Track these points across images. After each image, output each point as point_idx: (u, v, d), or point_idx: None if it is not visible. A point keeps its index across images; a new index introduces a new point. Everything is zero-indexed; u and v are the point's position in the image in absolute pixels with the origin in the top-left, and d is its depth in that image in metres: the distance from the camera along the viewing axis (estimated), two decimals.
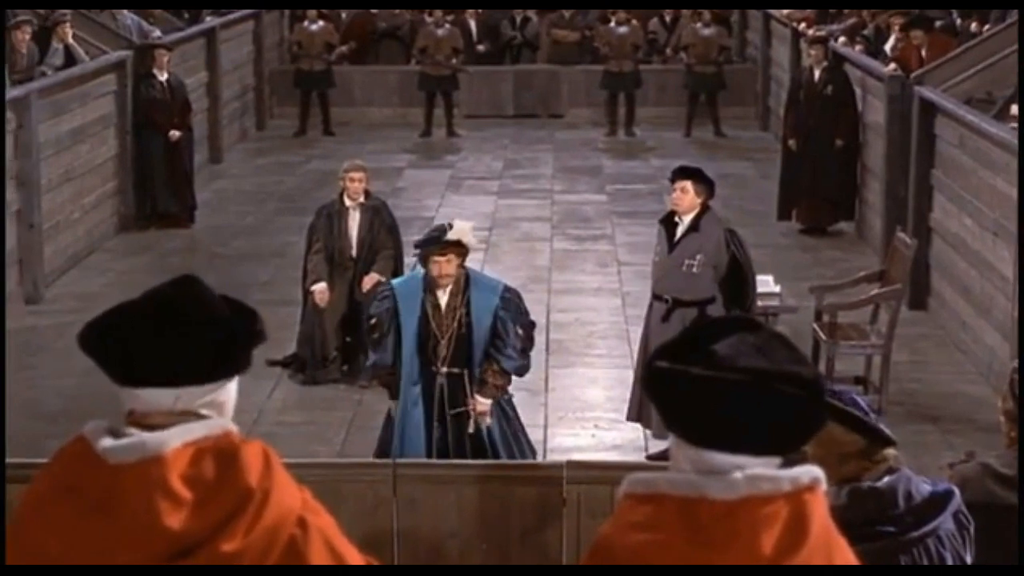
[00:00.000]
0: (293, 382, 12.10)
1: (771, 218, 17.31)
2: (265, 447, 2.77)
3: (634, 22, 24.18)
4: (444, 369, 8.88)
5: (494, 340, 8.80)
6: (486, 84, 25.32)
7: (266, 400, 11.62)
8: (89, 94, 16.67)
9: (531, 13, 26.52)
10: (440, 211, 18.40)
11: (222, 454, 2.70)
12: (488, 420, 8.92)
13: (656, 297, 10.33)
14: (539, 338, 13.01)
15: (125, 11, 19.75)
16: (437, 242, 8.84)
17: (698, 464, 2.77)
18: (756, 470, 2.74)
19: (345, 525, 2.84)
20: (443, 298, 8.87)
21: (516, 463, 8.97)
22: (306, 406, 11.63)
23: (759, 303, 10.83)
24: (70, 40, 17.33)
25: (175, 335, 2.74)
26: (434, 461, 9.64)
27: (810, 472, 2.79)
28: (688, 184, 10.17)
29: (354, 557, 2.78)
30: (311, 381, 12.08)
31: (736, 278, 10.14)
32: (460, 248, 8.85)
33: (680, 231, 10.19)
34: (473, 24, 25.89)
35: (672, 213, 10.29)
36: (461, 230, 8.88)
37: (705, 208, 10.20)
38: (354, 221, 12.24)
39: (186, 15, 22.84)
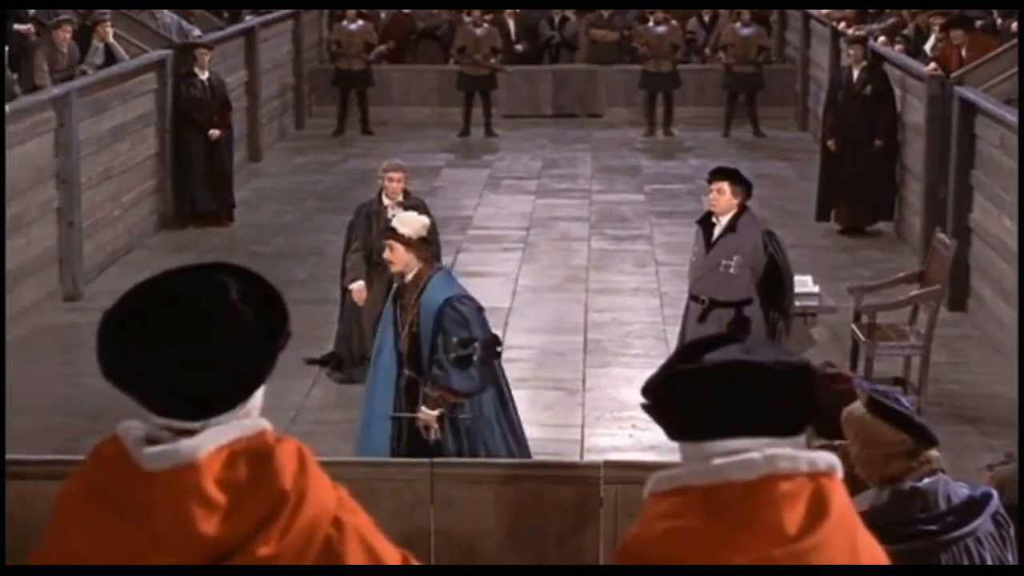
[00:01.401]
0: (331, 380, 12.12)
1: (810, 218, 17.25)
2: (300, 446, 2.75)
3: (673, 22, 24.14)
4: (405, 371, 8.83)
5: (433, 352, 8.65)
6: (524, 84, 25.32)
7: (304, 399, 11.64)
8: (129, 93, 16.73)
9: (570, 13, 26.49)
10: (478, 210, 18.41)
11: (256, 455, 2.68)
12: (432, 434, 8.75)
13: (693, 298, 10.31)
14: (576, 338, 13.10)
15: (165, 10, 19.81)
16: (383, 228, 8.93)
17: (707, 456, 2.80)
18: (772, 450, 2.77)
19: (382, 524, 2.83)
20: (404, 293, 8.82)
21: (554, 462, 8.97)
22: (344, 404, 11.64)
23: (797, 303, 10.80)
24: (111, 39, 17.40)
25: (197, 373, 2.67)
26: (472, 460, 9.64)
27: (827, 458, 2.83)
28: (724, 185, 10.14)
29: (391, 556, 2.77)
30: (349, 380, 12.09)
31: (773, 280, 10.11)
32: (395, 235, 8.79)
33: (717, 232, 10.17)
34: (511, 24, 25.88)
35: (709, 214, 10.27)
36: (400, 218, 8.89)
37: (743, 209, 10.17)
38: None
39: (225, 14, 22.89)
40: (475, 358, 8.70)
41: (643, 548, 2.78)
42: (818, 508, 2.75)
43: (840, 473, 2.83)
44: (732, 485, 2.75)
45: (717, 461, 2.79)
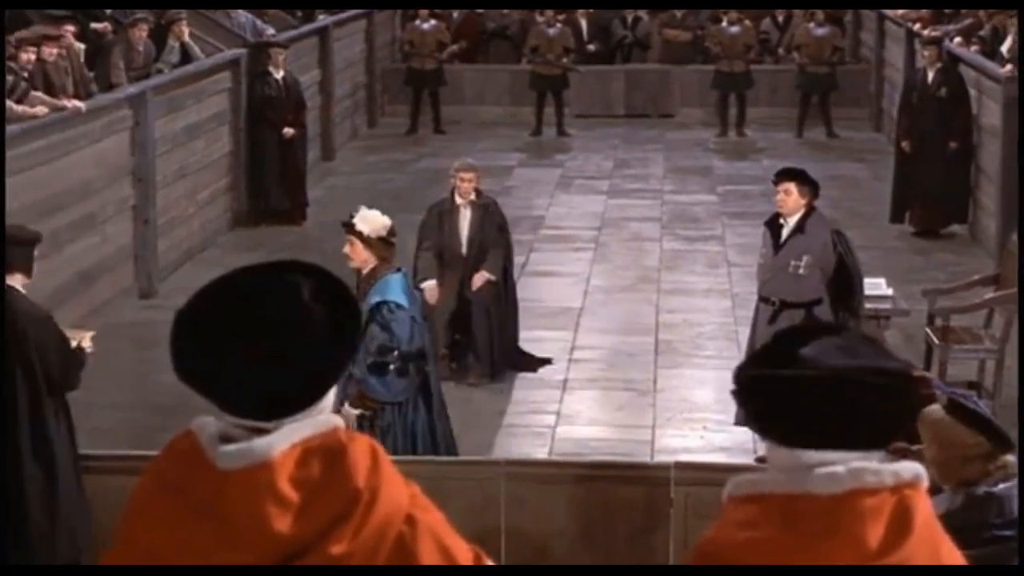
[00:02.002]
0: None
1: (884, 220, 17.14)
2: (373, 443, 2.75)
3: (746, 22, 24.05)
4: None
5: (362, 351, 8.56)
6: (597, 83, 25.29)
7: None
8: (204, 91, 16.84)
9: (642, 13, 26.44)
10: (550, 210, 18.41)
11: (329, 453, 2.68)
12: (349, 425, 8.62)
13: (763, 299, 10.29)
14: (647, 339, 13.08)
15: (240, 10, 19.93)
16: (343, 223, 8.92)
17: (797, 464, 2.76)
18: (858, 463, 2.73)
19: (453, 523, 2.83)
20: (359, 289, 8.80)
21: (625, 463, 8.96)
22: None
23: (871, 306, 10.75)
24: (186, 38, 17.51)
25: (270, 373, 2.67)
26: (543, 459, 9.66)
27: (912, 468, 2.78)
28: (791, 185, 10.12)
29: (464, 554, 2.77)
30: None
31: (843, 279, 10.08)
32: (354, 231, 8.79)
33: (786, 233, 10.14)
34: (584, 23, 25.86)
35: (777, 215, 10.25)
36: (360, 216, 8.89)
37: (811, 209, 10.14)
38: (465, 220, 12.27)
39: (299, 13, 23.00)
40: (391, 367, 8.62)
41: (721, 554, 2.76)
42: (902, 522, 2.71)
43: (926, 483, 2.80)
44: (814, 497, 2.72)
45: (801, 471, 2.75)
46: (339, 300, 2.75)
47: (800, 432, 2.77)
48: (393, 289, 8.78)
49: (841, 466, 2.73)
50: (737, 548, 2.73)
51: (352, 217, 8.89)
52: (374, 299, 8.63)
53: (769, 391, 2.77)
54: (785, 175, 10.24)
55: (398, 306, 8.70)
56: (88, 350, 8.30)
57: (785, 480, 2.76)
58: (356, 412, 8.59)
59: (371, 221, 8.84)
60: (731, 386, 2.87)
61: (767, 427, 2.83)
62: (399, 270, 8.96)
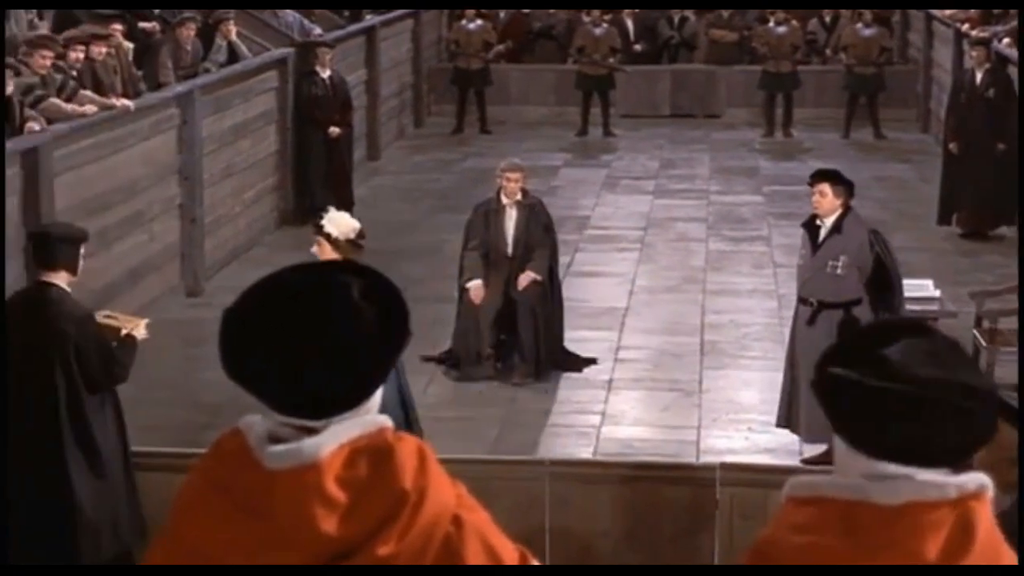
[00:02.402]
0: (447, 379, 12.17)
1: (931, 222, 17.06)
2: (420, 443, 2.75)
3: (793, 22, 23.99)
4: None
5: None
6: (643, 84, 25.26)
7: (420, 396, 11.67)
8: (251, 90, 16.90)
9: (689, 13, 26.40)
10: (596, 210, 18.40)
11: (377, 453, 2.68)
12: None
13: (802, 300, 10.30)
14: (693, 339, 13.06)
15: (287, 9, 19.99)
16: (312, 224, 8.98)
17: (866, 472, 2.73)
18: (923, 476, 2.70)
19: (497, 523, 2.83)
20: None
21: (670, 463, 8.94)
22: (460, 403, 11.70)
23: (918, 307, 10.72)
24: (233, 37, 17.58)
25: (318, 372, 2.67)
26: (588, 459, 9.66)
27: (977, 479, 2.74)
28: (826, 187, 10.12)
29: (510, 554, 2.77)
30: (465, 378, 12.14)
31: (881, 279, 10.06)
32: (322, 233, 8.85)
33: (823, 234, 10.15)
34: (630, 23, 25.84)
35: (814, 216, 10.25)
36: (329, 218, 8.94)
37: (847, 209, 10.14)
38: (510, 219, 12.28)
39: (346, 13, 23.06)
40: None
41: (778, 557, 2.74)
42: (963, 536, 2.68)
43: (991, 493, 2.76)
44: (874, 506, 2.69)
45: (865, 478, 2.73)
46: (388, 299, 2.75)
47: (876, 442, 2.72)
48: None
49: (906, 478, 2.70)
50: (794, 552, 2.72)
51: (321, 219, 8.93)
52: None
53: (852, 395, 2.73)
54: (819, 176, 10.27)
55: None
56: (140, 337, 8.36)
57: (846, 485, 2.74)
58: None
59: (340, 223, 8.89)
60: (814, 382, 2.83)
61: (842, 428, 2.79)
62: None
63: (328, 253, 8.81)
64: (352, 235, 8.88)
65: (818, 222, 10.21)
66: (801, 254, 10.46)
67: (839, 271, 10.02)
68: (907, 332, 2.79)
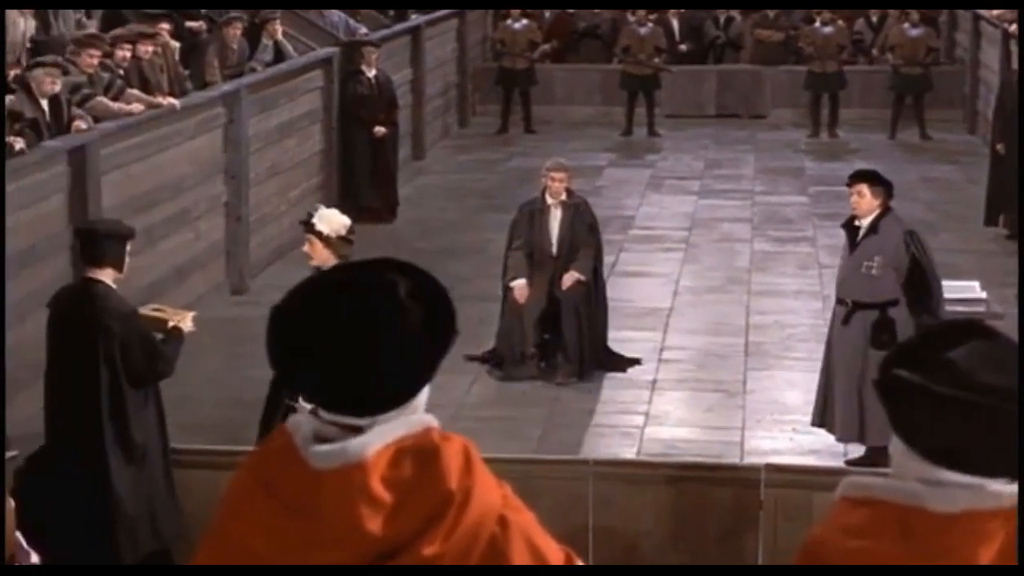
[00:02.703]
0: (491, 378, 12.17)
1: (978, 223, 16.97)
2: (466, 444, 2.75)
3: (840, 22, 23.89)
4: None
5: None
6: (688, 84, 25.21)
7: (464, 395, 11.71)
8: (297, 90, 16.94)
9: (735, 13, 26.34)
10: (640, 210, 18.38)
11: (422, 453, 2.69)
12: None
13: (838, 300, 10.30)
14: (737, 340, 13.03)
15: (333, 9, 20.04)
16: (303, 221, 8.88)
17: (924, 477, 2.71)
18: (980, 484, 2.67)
19: (541, 522, 2.83)
20: None
21: (714, 464, 8.93)
22: (503, 402, 11.70)
23: (963, 308, 10.66)
24: (279, 37, 17.64)
25: (365, 370, 2.68)
26: (632, 459, 9.64)
27: None
28: (864, 187, 10.13)
29: (555, 555, 2.76)
30: (509, 377, 12.14)
31: (918, 280, 10.02)
32: (314, 231, 8.78)
33: (860, 234, 10.14)
34: (676, 23, 25.80)
35: (853, 217, 10.24)
36: (319, 216, 8.87)
37: (885, 210, 10.12)
38: (555, 219, 12.28)
39: (392, 13, 23.10)
40: None
41: (830, 558, 2.72)
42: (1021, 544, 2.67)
43: None
44: (929, 513, 2.66)
45: (922, 483, 2.70)
46: (435, 299, 2.75)
47: (936, 447, 2.70)
48: None
49: (963, 486, 2.68)
50: (845, 555, 2.70)
51: (311, 217, 8.90)
52: None
53: (915, 399, 2.70)
54: (857, 177, 10.29)
55: None
56: (187, 330, 8.41)
57: (901, 489, 2.71)
58: (311, 405, 8.58)
59: (330, 220, 8.86)
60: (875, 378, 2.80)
61: (903, 430, 2.76)
62: None
63: (320, 251, 8.79)
64: (343, 231, 8.87)
65: (856, 222, 10.21)
66: (842, 255, 10.47)
67: (874, 272, 10.01)
68: (973, 335, 2.77)
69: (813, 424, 10.46)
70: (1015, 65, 18.06)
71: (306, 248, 8.92)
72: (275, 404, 8.78)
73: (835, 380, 10.20)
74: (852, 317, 10.10)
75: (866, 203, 10.11)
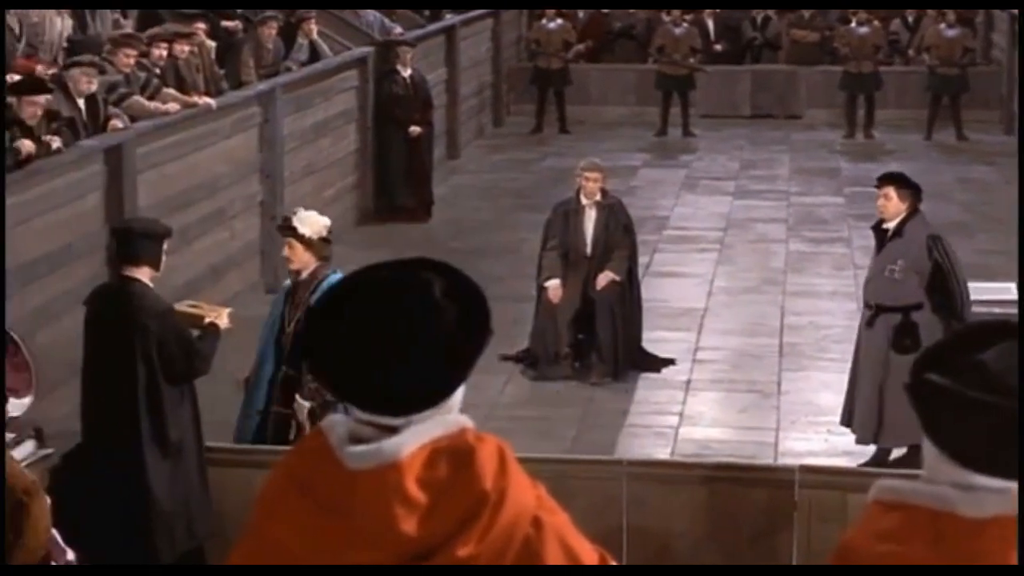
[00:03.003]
0: (525, 378, 12.18)
1: (1014, 224, 16.86)
2: (501, 445, 2.75)
3: (875, 22, 23.82)
4: (282, 368, 8.76)
5: None
6: (723, 84, 25.18)
7: (498, 395, 11.71)
8: (332, 89, 16.97)
9: (772, 13, 26.28)
10: (675, 210, 18.36)
11: (457, 454, 2.69)
12: (303, 418, 8.59)
13: (865, 303, 10.29)
14: (772, 341, 13.00)
15: (368, 8, 20.07)
16: (281, 224, 8.83)
17: (955, 481, 2.70)
18: (1012, 489, 2.66)
19: (575, 522, 2.83)
20: (297, 291, 8.76)
21: (749, 465, 8.91)
22: (537, 402, 11.70)
23: (999, 311, 10.60)
24: (315, 36, 17.66)
25: (400, 369, 2.68)
26: (666, 460, 9.63)
27: None
28: (891, 190, 10.09)
29: (589, 556, 2.76)
30: (543, 377, 12.14)
31: (941, 285, 9.96)
32: (296, 235, 8.71)
33: (887, 237, 10.11)
34: (711, 23, 25.76)
35: (882, 219, 10.21)
36: (300, 218, 8.80)
37: (911, 213, 10.07)
38: (590, 219, 12.28)
39: (427, 12, 23.13)
40: None
41: (863, 563, 2.71)
42: None
43: None
44: (960, 518, 2.65)
45: (953, 488, 2.69)
46: (470, 298, 2.75)
47: (967, 451, 2.69)
48: None
49: (994, 491, 2.67)
50: (877, 560, 2.69)
51: (289, 220, 8.82)
52: None
53: (946, 403, 2.69)
54: (886, 179, 10.26)
55: None
56: (224, 326, 8.44)
57: (932, 494, 2.70)
58: (309, 404, 8.63)
59: (311, 223, 8.79)
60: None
61: (934, 434, 2.75)
62: (336, 271, 8.98)
63: (301, 254, 8.75)
64: (324, 232, 8.84)
65: (884, 225, 10.18)
66: (872, 257, 10.48)
67: (896, 275, 9.97)
68: (1004, 336, 2.75)
69: (842, 423, 10.47)
70: None
71: (286, 252, 8.83)
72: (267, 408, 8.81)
73: (859, 381, 10.20)
74: (876, 320, 10.09)
75: (893, 206, 10.07)
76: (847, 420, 10.40)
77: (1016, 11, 22.79)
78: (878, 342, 10.06)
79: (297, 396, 8.63)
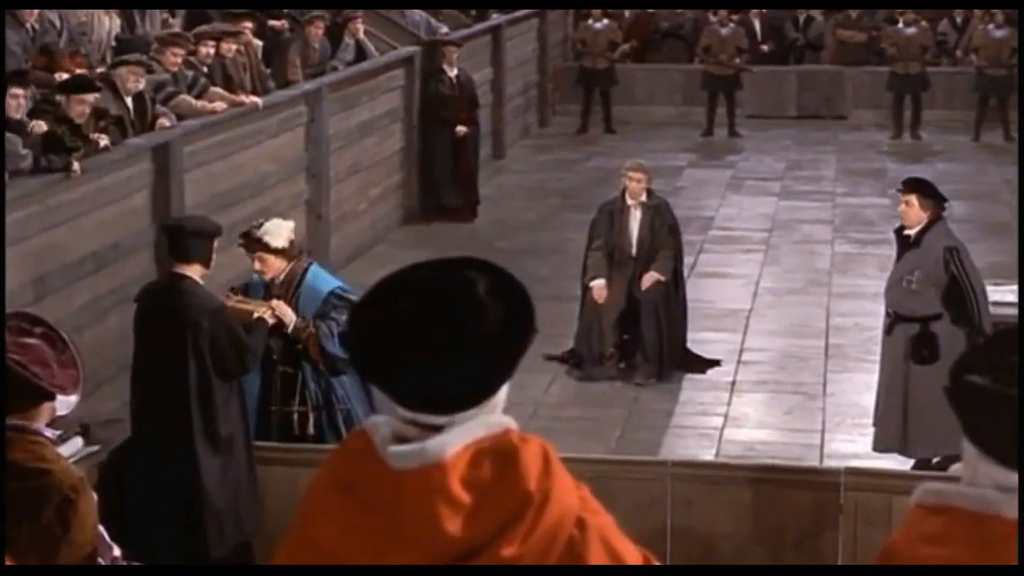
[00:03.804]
0: (570, 378, 12.18)
1: None
2: (545, 445, 2.75)
3: (923, 23, 23.72)
4: (280, 368, 8.75)
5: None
6: (769, 84, 25.11)
7: (543, 395, 11.71)
8: (378, 88, 17.00)
9: (815, 13, 26.20)
10: (720, 211, 18.32)
11: (501, 454, 2.69)
12: (287, 320, 8.64)
13: (885, 309, 10.18)
14: (817, 342, 12.96)
15: (413, 8, 20.09)
16: (244, 240, 8.82)
17: (998, 483, 2.69)
18: None
19: (618, 523, 2.83)
20: (276, 294, 8.75)
21: (794, 466, 8.89)
22: (582, 402, 11.70)
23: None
24: (361, 36, 17.70)
25: (445, 368, 2.69)
26: (711, 461, 9.62)
27: None
28: (913, 198, 9.94)
29: (633, 557, 2.76)
30: (588, 377, 12.13)
31: (957, 297, 9.82)
32: (268, 248, 8.69)
33: (907, 245, 9.99)
34: (757, 24, 25.69)
35: (903, 226, 10.10)
36: (267, 231, 8.75)
37: (933, 222, 9.93)
38: (635, 220, 12.26)
39: (473, 12, 23.14)
40: None
41: (907, 564, 2.71)
42: None
43: None
44: (1003, 520, 2.65)
45: (996, 490, 2.69)
46: (515, 297, 2.75)
47: (1009, 452, 2.68)
48: (327, 278, 8.96)
49: None
50: (921, 562, 2.69)
51: (254, 234, 8.76)
52: (325, 288, 8.75)
53: (987, 404, 2.69)
54: (909, 186, 10.09)
55: (344, 289, 8.88)
56: (271, 321, 8.49)
57: (975, 496, 2.70)
58: (292, 317, 8.69)
59: (280, 233, 8.76)
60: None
61: (976, 436, 2.75)
62: (311, 260, 8.97)
63: (273, 264, 8.75)
64: (292, 235, 8.86)
65: (905, 232, 10.06)
66: (894, 261, 10.36)
67: (913, 286, 9.83)
68: None
69: (875, 424, 10.38)
70: None
71: (257, 266, 8.82)
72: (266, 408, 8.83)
73: (882, 388, 10.10)
74: (895, 328, 9.98)
75: (914, 213, 9.94)
76: (875, 421, 10.34)
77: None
78: (897, 351, 9.94)
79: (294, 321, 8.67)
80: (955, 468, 6.98)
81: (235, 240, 9.36)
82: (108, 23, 13.96)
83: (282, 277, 8.78)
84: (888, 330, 10.07)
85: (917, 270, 9.83)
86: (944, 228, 10.07)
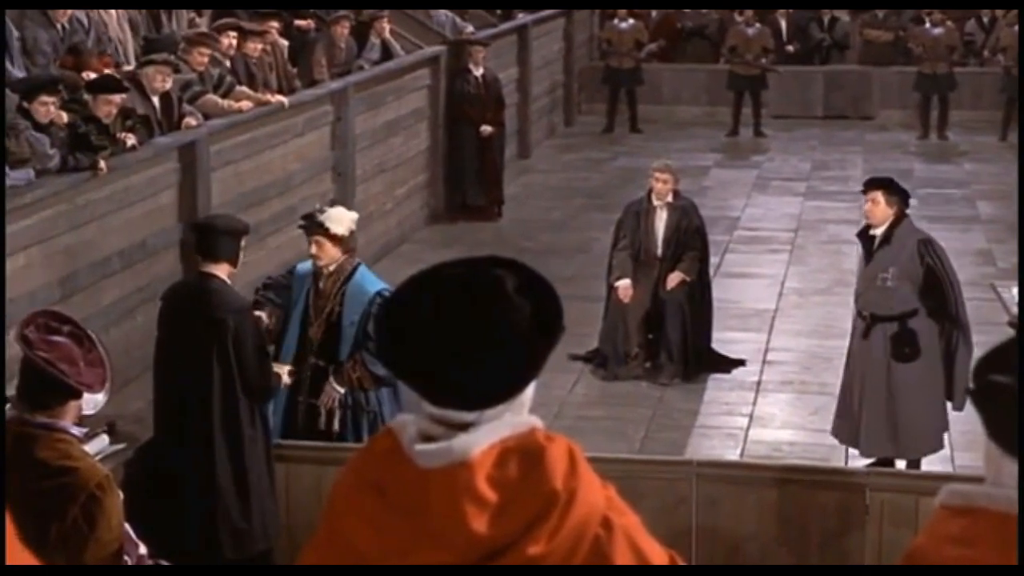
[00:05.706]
0: (595, 377, 12.18)
1: None
2: (571, 445, 2.75)
3: (950, 23, 23.66)
4: (312, 359, 8.74)
5: (365, 337, 8.55)
6: (795, 84, 25.07)
7: (567, 394, 11.72)
8: (404, 88, 17.02)
9: (840, 13, 26.15)
10: (746, 211, 18.30)
11: (527, 453, 2.69)
12: (331, 403, 8.63)
13: (858, 314, 10.06)
14: (843, 343, 12.89)
15: (439, 8, 20.11)
16: (306, 222, 8.79)
17: (1014, 478, 2.69)
18: None
19: (644, 522, 2.83)
20: (323, 284, 8.75)
21: (820, 467, 8.87)
22: (607, 402, 11.70)
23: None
24: (387, 35, 17.71)
25: (473, 365, 2.69)
26: (736, 461, 9.61)
27: None
28: (879, 195, 9.89)
29: (659, 557, 2.76)
30: (613, 377, 12.13)
31: (935, 290, 9.77)
32: (327, 234, 8.68)
33: (875, 244, 9.93)
34: (783, 24, 25.66)
35: (868, 226, 10.03)
36: (330, 217, 8.75)
37: (899, 219, 9.89)
38: (661, 220, 12.26)
39: (499, 12, 23.15)
40: None
41: (932, 565, 2.71)
42: None
43: None
44: None
45: (1014, 490, 2.69)
46: (542, 294, 2.76)
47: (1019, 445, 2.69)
48: (374, 279, 8.93)
49: None
50: (946, 563, 2.68)
51: (316, 218, 8.78)
52: (372, 289, 8.70)
53: (1008, 403, 2.69)
54: (873, 184, 10.03)
55: (390, 291, 8.77)
56: (287, 380, 8.54)
57: (1000, 497, 2.70)
58: (341, 391, 8.67)
59: (342, 221, 8.75)
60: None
61: (998, 435, 2.75)
62: (360, 261, 8.98)
63: (330, 251, 8.73)
64: (353, 226, 8.86)
65: (871, 232, 10.00)
66: (858, 265, 10.27)
67: (889, 283, 9.75)
68: None
69: (832, 434, 10.24)
70: None
71: (313, 250, 8.81)
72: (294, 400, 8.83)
73: (861, 395, 9.94)
74: (872, 331, 9.89)
75: (880, 211, 9.88)
76: (837, 432, 10.18)
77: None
78: (876, 354, 9.83)
79: (332, 380, 8.67)
80: (975, 467, 6.98)
81: (260, 239, 9.37)
82: (127, 23, 13.96)
83: (332, 268, 8.79)
84: (865, 334, 9.94)
85: (892, 267, 9.76)
86: (911, 223, 10.03)
